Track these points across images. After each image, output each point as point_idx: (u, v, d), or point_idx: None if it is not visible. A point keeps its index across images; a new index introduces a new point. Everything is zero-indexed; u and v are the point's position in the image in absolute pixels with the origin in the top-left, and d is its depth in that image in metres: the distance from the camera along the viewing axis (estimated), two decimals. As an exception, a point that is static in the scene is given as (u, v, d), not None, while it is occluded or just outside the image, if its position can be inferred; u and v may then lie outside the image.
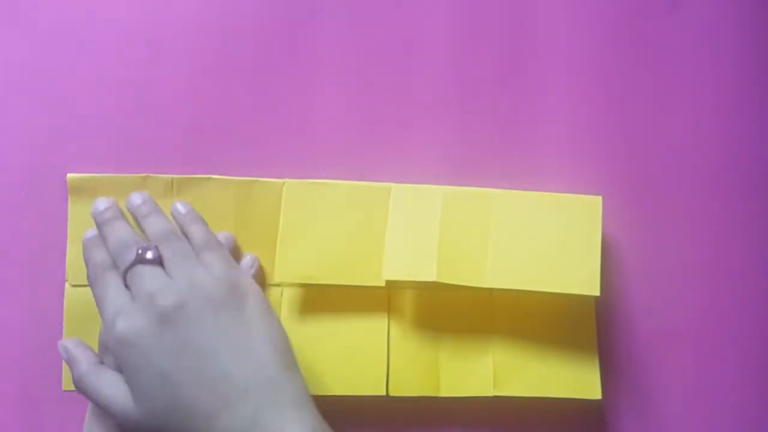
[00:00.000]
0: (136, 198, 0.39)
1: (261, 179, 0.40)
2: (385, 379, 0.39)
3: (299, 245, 0.39)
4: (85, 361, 0.34)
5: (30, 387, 0.40)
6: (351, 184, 0.40)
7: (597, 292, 0.37)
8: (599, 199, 0.39)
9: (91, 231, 0.38)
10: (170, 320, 0.32)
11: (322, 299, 0.40)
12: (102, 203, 0.38)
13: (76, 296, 0.39)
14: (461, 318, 0.40)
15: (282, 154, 0.42)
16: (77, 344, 0.36)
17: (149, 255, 0.34)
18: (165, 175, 0.40)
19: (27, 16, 0.42)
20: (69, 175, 0.39)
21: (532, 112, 0.43)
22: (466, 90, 0.43)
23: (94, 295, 0.34)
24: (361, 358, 0.39)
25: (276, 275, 0.39)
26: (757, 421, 0.42)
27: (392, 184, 0.40)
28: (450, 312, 0.40)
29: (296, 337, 0.39)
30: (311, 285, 0.39)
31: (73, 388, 0.37)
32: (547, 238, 0.39)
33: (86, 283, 0.37)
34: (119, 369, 0.33)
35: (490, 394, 0.39)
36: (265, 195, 0.40)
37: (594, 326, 0.40)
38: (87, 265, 0.36)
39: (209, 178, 0.40)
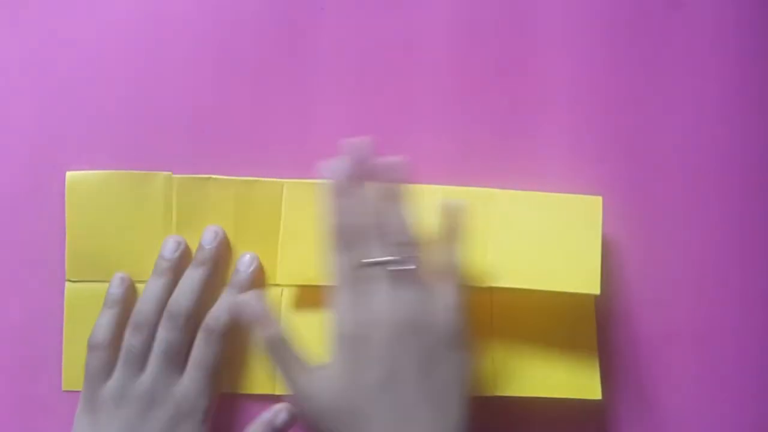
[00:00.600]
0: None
1: (261, 179, 0.40)
2: None
3: (300, 246, 0.39)
4: (275, 326, 0.35)
5: (30, 387, 0.40)
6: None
7: (597, 291, 0.38)
8: (599, 199, 0.39)
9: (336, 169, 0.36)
10: (399, 340, 0.32)
11: (322, 300, 0.40)
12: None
13: (75, 292, 0.39)
14: None
15: (282, 154, 0.42)
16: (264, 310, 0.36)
17: (392, 267, 0.34)
18: (164, 173, 0.40)
19: (27, 14, 0.42)
20: (68, 173, 0.39)
21: (532, 112, 0.43)
22: (466, 90, 0.43)
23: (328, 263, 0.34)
24: None
25: (278, 277, 0.39)
26: (758, 420, 0.42)
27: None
28: None
29: (296, 337, 0.39)
30: (311, 286, 0.39)
31: (72, 388, 0.37)
32: (547, 237, 0.39)
33: (85, 278, 0.39)
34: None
35: (491, 394, 0.39)
36: (265, 195, 0.40)
37: (594, 326, 0.40)
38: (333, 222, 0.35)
39: (209, 178, 0.40)
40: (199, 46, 0.42)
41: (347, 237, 0.35)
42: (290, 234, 0.39)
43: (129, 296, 0.39)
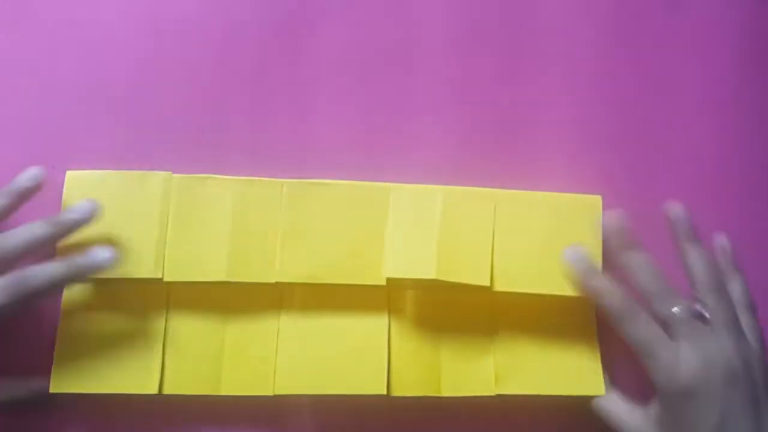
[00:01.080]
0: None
1: (260, 179, 0.40)
2: (385, 378, 0.39)
3: (300, 245, 0.39)
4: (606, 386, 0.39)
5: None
6: (351, 184, 0.40)
7: None
8: (599, 198, 0.40)
9: (578, 254, 0.38)
10: (730, 385, 0.34)
11: (323, 298, 0.40)
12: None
13: (72, 293, 0.39)
14: (462, 317, 0.40)
15: (282, 155, 0.42)
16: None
17: (700, 313, 0.36)
18: (163, 173, 0.40)
19: (27, 13, 0.41)
20: (68, 172, 0.39)
21: (532, 112, 0.43)
22: (465, 91, 0.43)
23: (628, 328, 0.36)
24: (362, 357, 0.39)
25: (278, 274, 0.39)
26: None
27: (392, 185, 0.40)
28: (450, 311, 0.40)
29: (297, 336, 0.39)
30: (312, 284, 0.39)
31: (60, 390, 0.37)
32: (548, 238, 0.39)
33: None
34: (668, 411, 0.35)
35: (492, 393, 0.39)
36: (265, 194, 0.40)
37: (594, 322, 0.40)
38: (605, 296, 0.37)
39: (208, 177, 0.40)
40: (199, 46, 0.42)
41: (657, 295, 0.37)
42: (290, 232, 0.39)
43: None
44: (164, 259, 0.39)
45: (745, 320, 0.37)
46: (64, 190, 0.39)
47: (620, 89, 0.44)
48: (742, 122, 0.44)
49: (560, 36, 0.44)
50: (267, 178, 0.40)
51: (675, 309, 0.35)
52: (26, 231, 0.36)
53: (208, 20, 0.42)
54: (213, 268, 0.39)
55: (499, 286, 0.38)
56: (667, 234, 0.43)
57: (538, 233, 0.39)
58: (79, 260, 0.36)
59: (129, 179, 0.39)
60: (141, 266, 0.39)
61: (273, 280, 0.39)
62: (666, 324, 0.36)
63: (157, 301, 0.39)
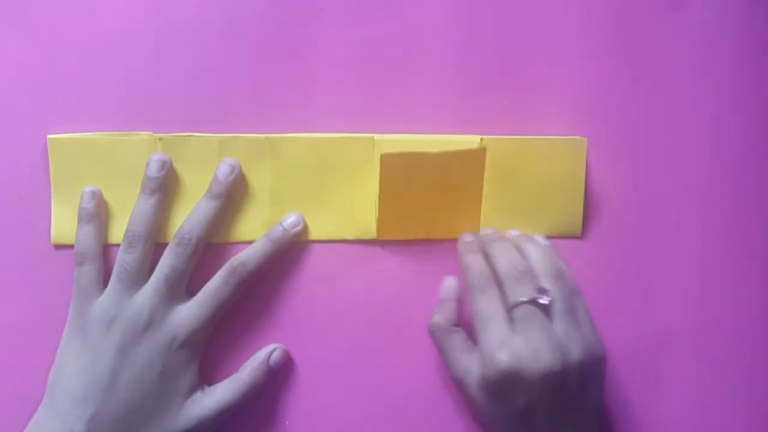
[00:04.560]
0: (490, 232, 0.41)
1: (244, 135, 0.40)
2: (374, 224, 0.41)
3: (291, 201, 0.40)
4: (446, 313, 0.39)
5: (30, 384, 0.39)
6: (332, 136, 0.40)
7: (579, 233, 0.41)
8: (584, 140, 0.40)
9: (467, 236, 0.40)
10: (547, 381, 0.34)
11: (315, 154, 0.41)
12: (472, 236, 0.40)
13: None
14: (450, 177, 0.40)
15: None
16: (452, 295, 0.39)
17: (544, 301, 0.35)
18: (146, 133, 0.39)
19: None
20: (49, 136, 0.39)
21: (532, 114, 0.42)
22: (466, 91, 0.42)
23: (474, 299, 0.36)
24: (352, 206, 0.41)
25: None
26: (758, 419, 0.43)
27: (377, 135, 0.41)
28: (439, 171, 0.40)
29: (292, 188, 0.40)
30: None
31: (60, 241, 0.39)
32: (533, 181, 0.41)
33: (71, 242, 0.38)
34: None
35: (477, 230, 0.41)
36: (249, 149, 0.40)
37: (584, 168, 0.41)
38: (469, 269, 0.37)
39: (191, 135, 0.40)
40: (200, 40, 0.41)
41: (488, 279, 0.37)
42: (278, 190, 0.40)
43: (102, 211, 0.39)
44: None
45: (577, 302, 0.36)
46: (50, 154, 0.39)
47: (621, 89, 0.43)
48: (742, 122, 0.44)
49: (560, 36, 0.42)
50: (250, 134, 0.40)
51: (521, 297, 0.35)
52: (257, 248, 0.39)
53: (207, 18, 0.41)
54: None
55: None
56: (667, 234, 0.43)
57: (524, 177, 0.40)
58: (278, 234, 0.39)
59: (112, 141, 0.39)
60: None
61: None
62: (511, 308, 0.35)
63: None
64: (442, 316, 0.39)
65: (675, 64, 0.43)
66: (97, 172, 0.39)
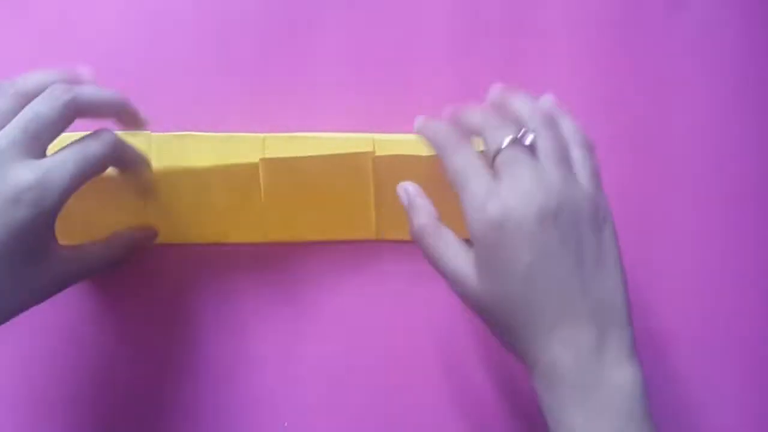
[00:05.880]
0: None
1: (239, 134, 0.40)
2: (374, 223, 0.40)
3: (284, 201, 0.40)
4: (425, 213, 0.34)
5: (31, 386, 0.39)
6: (331, 136, 0.40)
7: None
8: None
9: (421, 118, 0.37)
10: (546, 223, 0.30)
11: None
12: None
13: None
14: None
15: None
16: (418, 193, 0.36)
17: (528, 140, 0.32)
18: (143, 131, 0.39)
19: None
20: None
21: None
22: (465, 91, 0.42)
23: (447, 160, 0.33)
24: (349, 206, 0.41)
25: (261, 235, 0.41)
26: (757, 419, 0.43)
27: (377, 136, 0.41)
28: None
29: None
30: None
31: (70, 241, 0.36)
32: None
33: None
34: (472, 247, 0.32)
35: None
36: (245, 149, 0.40)
37: None
38: (436, 134, 0.35)
39: (187, 135, 0.40)
40: (198, 42, 0.41)
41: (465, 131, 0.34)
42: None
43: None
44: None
45: (577, 155, 0.33)
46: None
47: (621, 89, 0.43)
48: (742, 122, 0.44)
49: (560, 36, 0.43)
50: (246, 133, 0.40)
51: (504, 141, 0.32)
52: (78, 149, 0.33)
53: (207, 19, 0.42)
54: (198, 228, 0.41)
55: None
56: (666, 235, 0.43)
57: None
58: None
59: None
60: (118, 223, 0.39)
61: (259, 240, 0.40)
62: (493, 159, 0.32)
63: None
64: (423, 216, 0.35)
65: (675, 64, 0.44)
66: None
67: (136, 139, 0.39)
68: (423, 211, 0.35)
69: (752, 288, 0.43)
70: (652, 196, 0.43)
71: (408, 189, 0.36)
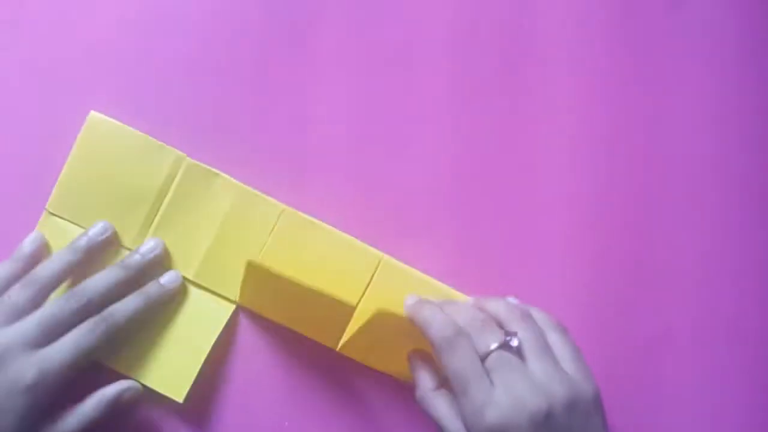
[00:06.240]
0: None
1: (263, 195, 0.40)
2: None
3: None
4: (423, 385, 0.36)
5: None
6: (343, 237, 0.41)
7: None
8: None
9: (412, 297, 0.38)
10: (539, 428, 0.32)
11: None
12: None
13: (48, 223, 0.39)
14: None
15: (281, 155, 0.42)
16: (423, 364, 0.37)
17: (514, 343, 0.34)
18: (179, 152, 0.40)
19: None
20: (92, 112, 0.40)
21: (532, 115, 0.43)
22: (465, 92, 0.42)
23: (446, 359, 0.34)
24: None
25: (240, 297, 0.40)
26: (757, 418, 0.43)
27: (384, 255, 0.41)
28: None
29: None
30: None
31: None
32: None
33: (63, 215, 0.39)
34: None
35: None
36: (261, 211, 0.40)
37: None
38: (431, 324, 0.35)
39: (218, 174, 0.40)
40: (199, 50, 0.41)
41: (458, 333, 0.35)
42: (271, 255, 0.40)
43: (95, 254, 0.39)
44: (146, 236, 0.40)
45: (554, 339, 0.35)
46: (84, 128, 0.40)
47: (621, 89, 0.43)
48: (742, 122, 0.44)
49: (560, 36, 0.43)
50: (269, 197, 0.40)
51: (491, 344, 0.34)
52: (104, 277, 0.38)
53: (208, 24, 0.42)
54: (184, 263, 0.40)
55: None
56: (666, 235, 0.42)
57: None
58: (154, 290, 0.39)
59: (145, 143, 0.40)
60: (123, 235, 0.40)
61: (233, 298, 0.40)
62: (484, 361, 0.34)
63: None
64: (422, 386, 0.37)
65: (675, 65, 0.44)
66: (114, 163, 0.40)
67: (167, 155, 0.39)
68: (423, 381, 0.37)
69: (752, 288, 0.43)
70: (653, 196, 0.43)
71: (415, 364, 0.38)
